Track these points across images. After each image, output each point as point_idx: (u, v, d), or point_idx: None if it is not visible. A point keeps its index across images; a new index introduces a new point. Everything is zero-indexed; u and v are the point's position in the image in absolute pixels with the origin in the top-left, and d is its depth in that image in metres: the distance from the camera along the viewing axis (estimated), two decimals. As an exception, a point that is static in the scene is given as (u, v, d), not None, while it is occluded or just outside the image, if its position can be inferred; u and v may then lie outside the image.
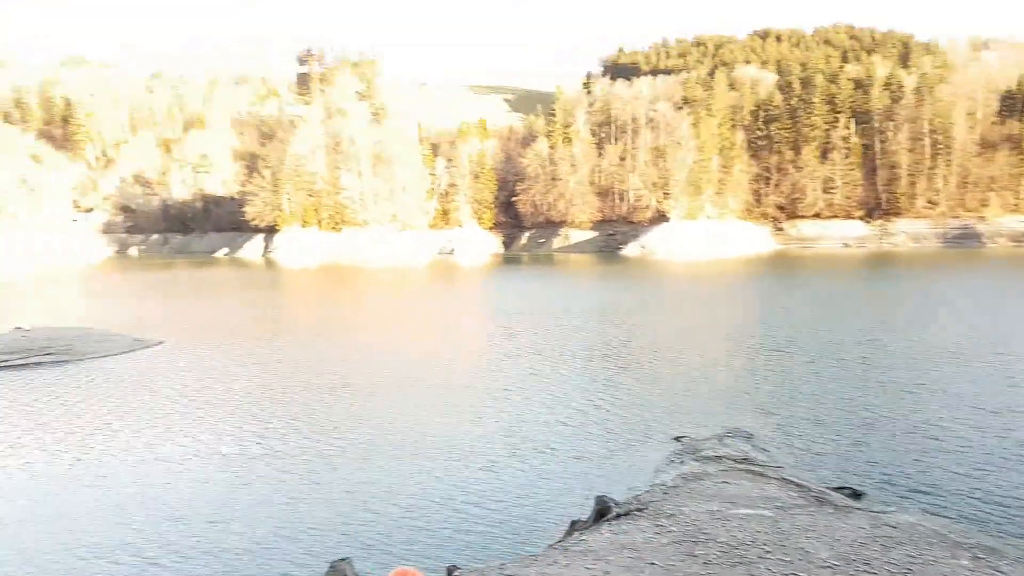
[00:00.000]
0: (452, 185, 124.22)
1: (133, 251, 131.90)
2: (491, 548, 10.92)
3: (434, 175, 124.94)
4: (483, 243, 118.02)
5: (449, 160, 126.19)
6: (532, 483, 13.50)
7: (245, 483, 13.72)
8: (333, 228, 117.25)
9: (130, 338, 30.06)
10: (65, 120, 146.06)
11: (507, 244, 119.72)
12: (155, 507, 12.63)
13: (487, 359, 26.13)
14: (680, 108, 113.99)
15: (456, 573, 8.15)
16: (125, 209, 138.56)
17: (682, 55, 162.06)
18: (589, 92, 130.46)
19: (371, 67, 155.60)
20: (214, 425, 17.71)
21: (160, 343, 29.86)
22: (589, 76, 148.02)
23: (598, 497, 11.12)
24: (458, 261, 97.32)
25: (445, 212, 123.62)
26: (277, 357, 26.95)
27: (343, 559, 8.15)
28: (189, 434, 16.96)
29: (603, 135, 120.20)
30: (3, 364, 25.23)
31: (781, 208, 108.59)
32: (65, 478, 14.19)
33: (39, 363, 25.62)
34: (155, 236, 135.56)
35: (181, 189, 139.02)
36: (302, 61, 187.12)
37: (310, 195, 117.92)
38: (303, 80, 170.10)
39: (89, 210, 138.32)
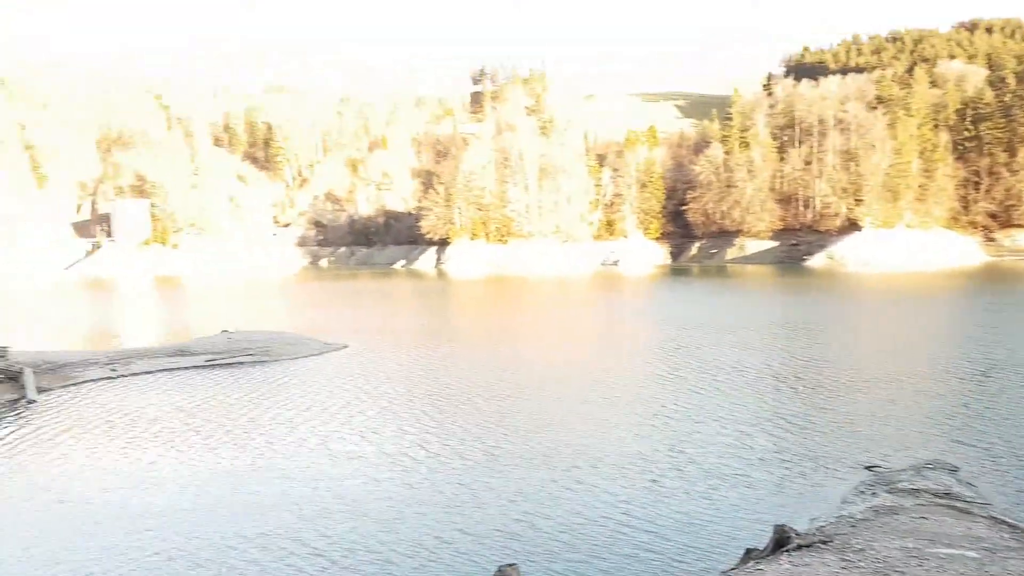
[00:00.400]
0: (618, 195, 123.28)
1: (323, 262, 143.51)
2: (657, 570, 10.44)
3: (599, 186, 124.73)
4: (649, 254, 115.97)
5: (615, 170, 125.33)
6: (700, 506, 12.80)
7: (413, 484, 14.18)
8: (500, 240, 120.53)
9: (319, 342, 32.49)
10: (266, 143, 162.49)
11: (675, 255, 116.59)
12: (329, 502, 13.34)
13: (653, 374, 25.41)
14: (874, 108, 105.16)
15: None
16: (317, 224, 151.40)
17: (876, 52, 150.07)
18: (770, 94, 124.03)
19: (540, 82, 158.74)
20: (388, 426, 18.56)
21: (345, 347, 32.01)
22: (770, 77, 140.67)
23: (777, 526, 10.27)
24: (622, 272, 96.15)
25: (610, 223, 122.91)
26: (447, 363, 27.94)
27: (510, 565, 8.10)
28: (365, 434, 17.89)
29: (785, 138, 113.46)
30: (212, 362, 28.21)
31: (993, 216, 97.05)
32: (251, 469, 15.42)
33: (241, 362, 28.35)
34: (342, 249, 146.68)
35: (365, 205, 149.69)
36: (476, 80, 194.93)
37: (479, 209, 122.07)
38: (476, 99, 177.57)
39: (286, 225, 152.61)
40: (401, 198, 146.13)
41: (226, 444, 17.36)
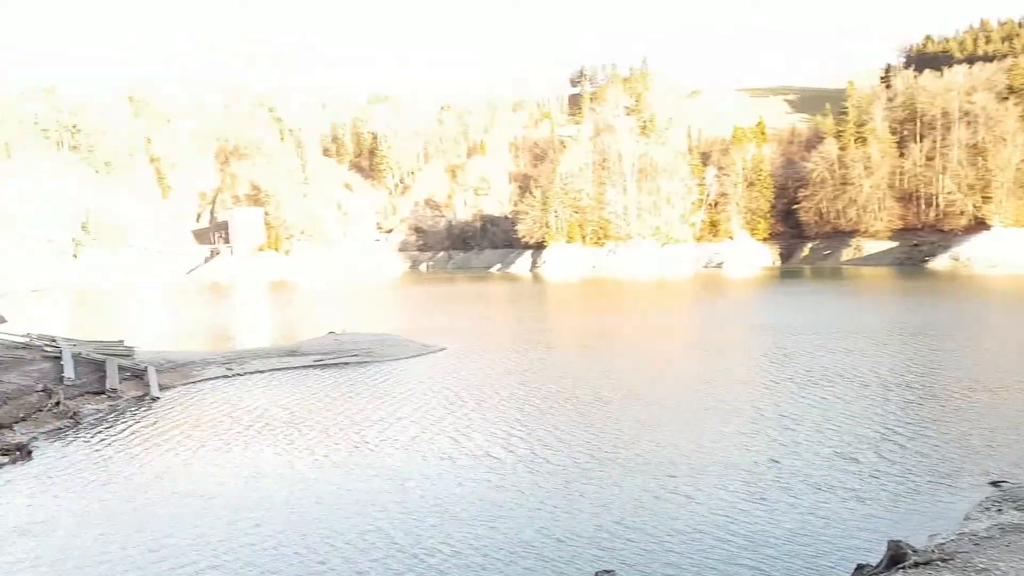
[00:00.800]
0: (723, 195, 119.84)
1: (423, 267, 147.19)
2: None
3: (703, 185, 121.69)
4: (755, 255, 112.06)
5: (720, 168, 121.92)
6: (807, 520, 12.16)
7: (507, 487, 14.20)
8: (596, 243, 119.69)
9: (419, 344, 33.26)
10: (371, 152, 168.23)
11: (785, 256, 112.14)
12: (421, 503, 13.56)
13: (758, 380, 24.45)
14: (1005, 99, 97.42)
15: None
16: (417, 229, 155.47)
17: (1007, 38, 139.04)
18: (889, 86, 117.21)
19: (641, 80, 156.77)
20: (483, 428, 18.71)
21: (443, 349, 32.62)
22: (889, 68, 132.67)
23: (892, 541, 9.63)
24: (727, 274, 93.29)
25: (713, 224, 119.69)
26: (544, 366, 27.93)
27: (607, 571, 7.95)
28: (461, 435, 18.10)
29: (905, 133, 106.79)
30: (320, 363, 29.39)
31: None
32: (350, 467, 15.88)
33: (346, 363, 29.39)
34: (441, 253, 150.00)
35: (463, 210, 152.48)
36: (574, 83, 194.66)
37: (576, 211, 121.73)
38: (575, 101, 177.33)
39: (389, 231, 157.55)
40: (498, 202, 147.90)
41: (329, 442, 18.00)
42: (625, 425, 18.63)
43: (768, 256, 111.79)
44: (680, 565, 10.69)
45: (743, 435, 17.34)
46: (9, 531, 12.74)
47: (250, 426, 19.80)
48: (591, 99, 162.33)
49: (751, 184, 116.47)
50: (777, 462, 15.14)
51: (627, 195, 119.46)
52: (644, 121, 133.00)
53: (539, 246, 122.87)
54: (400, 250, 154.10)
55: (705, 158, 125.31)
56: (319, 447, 17.56)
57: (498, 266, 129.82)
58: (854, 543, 11.10)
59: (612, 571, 8.14)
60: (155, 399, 23.48)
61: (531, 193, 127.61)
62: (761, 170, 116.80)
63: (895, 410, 19.47)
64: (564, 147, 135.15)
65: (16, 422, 19.39)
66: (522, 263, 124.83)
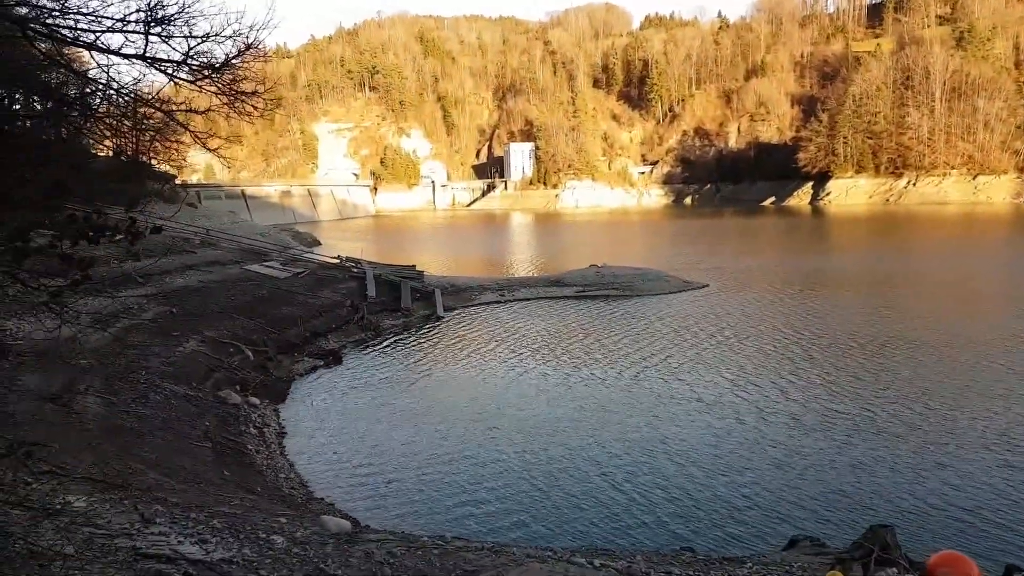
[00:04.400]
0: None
1: (687, 200, 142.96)
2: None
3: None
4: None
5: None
6: None
7: (769, 435, 13.67)
8: (892, 173, 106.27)
9: (680, 280, 32.79)
10: (641, 80, 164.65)
11: None
12: (683, 443, 13.57)
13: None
14: None
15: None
16: (684, 160, 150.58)
17: None
18: None
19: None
20: (744, 371, 18.06)
21: (705, 286, 31.82)
22: None
23: None
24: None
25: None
26: (815, 311, 25.93)
27: (884, 525, 7.39)
28: (720, 376, 17.68)
29: None
30: (582, 294, 30.44)
31: None
32: (598, 395, 16.35)
33: (607, 296, 30.06)
34: (708, 186, 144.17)
35: (736, 138, 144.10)
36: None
37: (869, 137, 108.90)
38: (875, 11, 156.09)
39: (654, 163, 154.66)
40: (776, 129, 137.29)
41: (582, 368, 18.79)
42: (901, 381, 16.71)
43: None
44: (969, 531, 9.55)
45: (1063, 405, 14.65)
46: (325, 418, 15.44)
47: (516, 347, 21.39)
48: (895, 8, 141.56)
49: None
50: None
51: (934, 118, 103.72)
52: (960, 31, 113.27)
53: (822, 176, 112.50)
54: (664, 182, 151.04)
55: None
56: (573, 372, 18.44)
57: (772, 199, 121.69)
58: None
59: (889, 526, 7.52)
60: (440, 318, 26.23)
61: (816, 117, 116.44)
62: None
63: None
64: (859, 64, 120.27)
65: (329, 331, 22.96)
66: (801, 196, 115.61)
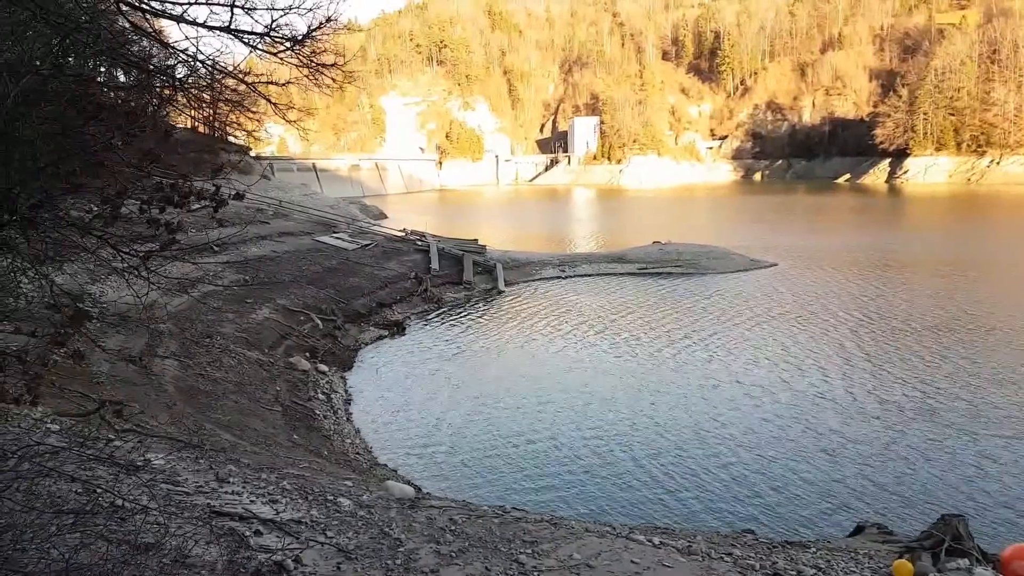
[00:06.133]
0: None
1: (757, 176, 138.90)
2: None
3: None
4: None
5: None
6: None
7: (833, 420, 13.32)
8: (974, 152, 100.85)
9: (747, 258, 32.03)
10: (712, 53, 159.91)
11: None
12: (743, 426, 13.36)
13: None
14: None
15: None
16: (755, 135, 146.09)
17: None
18: None
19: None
20: (810, 354, 17.59)
21: (773, 265, 31.01)
22: None
23: None
24: None
25: None
26: (888, 293, 24.97)
27: (957, 515, 7.18)
28: (783, 359, 17.27)
29: None
30: (644, 271, 30.10)
31: None
32: (652, 374, 16.20)
33: (670, 273, 29.64)
34: (780, 161, 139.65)
35: (810, 113, 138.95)
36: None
37: (951, 113, 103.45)
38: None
39: (723, 137, 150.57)
40: (853, 104, 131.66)
41: (640, 347, 18.65)
42: (974, 367, 15.99)
43: None
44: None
45: None
46: (388, 386, 15.83)
47: (575, 323, 21.36)
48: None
49: None
50: None
51: (1021, 93, 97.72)
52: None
53: (900, 153, 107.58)
54: (733, 158, 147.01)
55: None
56: (631, 350, 18.31)
57: (847, 176, 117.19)
58: None
59: (962, 516, 7.28)
60: (501, 292, 26.38)
61: (895, 92, 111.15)
62: None
63: None
64: (943, 37, 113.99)
65: (394, 302, 23.38)
66: (877, 173, 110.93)
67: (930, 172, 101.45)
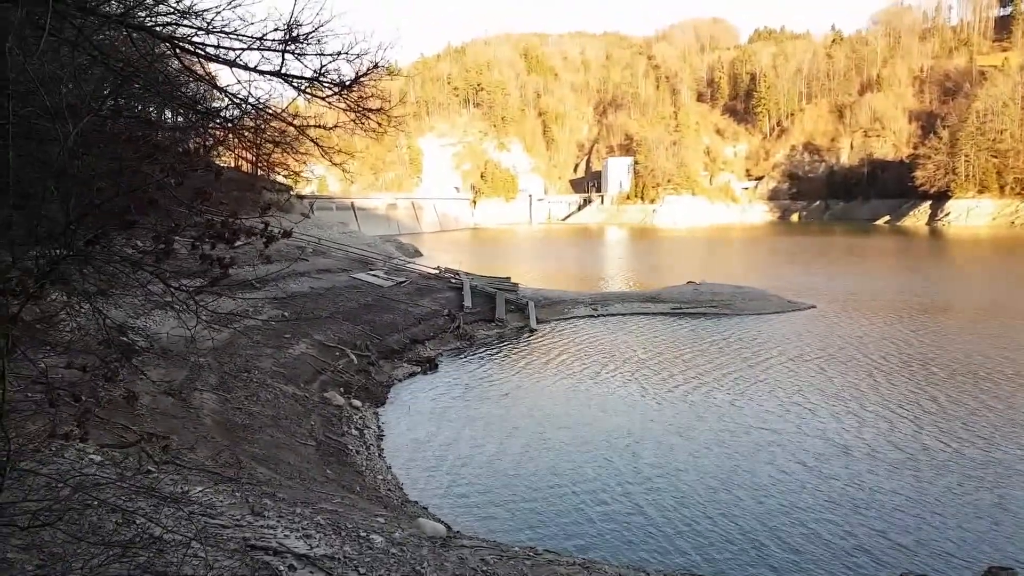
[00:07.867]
0: None
1: (794, 217, 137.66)
2: None
3: None
4: None
5: None
6: None
7: (873, 469, 12.95)
8: (1019, 194, 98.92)
9: (783, 300, 31.61)
10: (748, 94, 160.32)
11: None
12: (780, 473, 13.06)
13: None
14: None
15: None
16: (791, 176, 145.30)
17: None
18: None
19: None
20: (849, 400, 17.19)
21: (812, 307, 30.53)
22: None
23: None
24: None
25: None
26: (928, 337, 24.35)
27: (1005, 568, 6.91)
28: (821, 404, 16.90)
29: None
30: (678, 311, 29.85)
31: None
32: (684, 419, 15.92)
33: (704, 313, 29.35)
34: (817, 202, 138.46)
35: (848, 154, 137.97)
36: (1004, 2, 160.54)
37: (993, 155, 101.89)
38: (1003, 24, 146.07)
39: (759, 178, 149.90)
40: (892, 145, 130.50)
41: (675, 388, 18.39)
42: (1015, 412, 15.46)
43: None
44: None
45: None
46: (420, 423, 15.81)
47: (607, 363, 21.18)
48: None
49: None
50: None
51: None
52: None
53: (941, 196, 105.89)
54: (770, 199, 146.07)
55: None
56: (664, 392, 18.06)
57: (886, 218, 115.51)
58: None
59: (1011, 568, 7.00)
60: (533, 331, 26.35)
61: (936, 134, 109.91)
62: None
63: None
64: (984, 79, 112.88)
65: (427, 339, 23.50)
66: (918, 215, 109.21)
67: (972, 215, 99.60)
